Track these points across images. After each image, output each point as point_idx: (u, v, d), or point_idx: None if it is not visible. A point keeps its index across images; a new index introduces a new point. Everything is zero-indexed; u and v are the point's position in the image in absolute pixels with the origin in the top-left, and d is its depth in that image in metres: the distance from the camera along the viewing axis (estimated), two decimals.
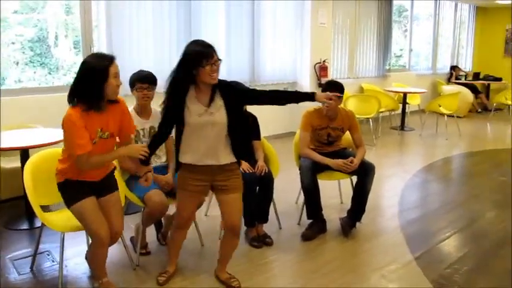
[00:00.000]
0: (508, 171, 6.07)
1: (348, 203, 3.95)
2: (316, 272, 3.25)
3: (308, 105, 3.39)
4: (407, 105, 8.79)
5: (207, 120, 2.63)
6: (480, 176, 5.92)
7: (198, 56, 2.52)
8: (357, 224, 3.89)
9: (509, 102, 10.04)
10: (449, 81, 11.54)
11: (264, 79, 7.21)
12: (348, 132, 4.01)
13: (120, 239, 2.93)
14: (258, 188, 3.60)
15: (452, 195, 5.15)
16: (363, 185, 3.78)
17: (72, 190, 2.66)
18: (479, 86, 11.61)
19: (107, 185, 2.80)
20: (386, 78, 9.63)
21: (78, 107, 2.47)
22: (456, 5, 11.93)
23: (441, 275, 3.22)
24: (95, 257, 2.85)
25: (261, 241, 3.62)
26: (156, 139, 2.82)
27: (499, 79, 11.63)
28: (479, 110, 11.09)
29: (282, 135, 7.12)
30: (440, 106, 8.11)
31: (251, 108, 3.93)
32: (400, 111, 8.63)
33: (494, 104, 10.68)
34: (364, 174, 3.77)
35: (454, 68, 11.79)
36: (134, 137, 3.28)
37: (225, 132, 2.69)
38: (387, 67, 9.73)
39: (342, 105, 4.15)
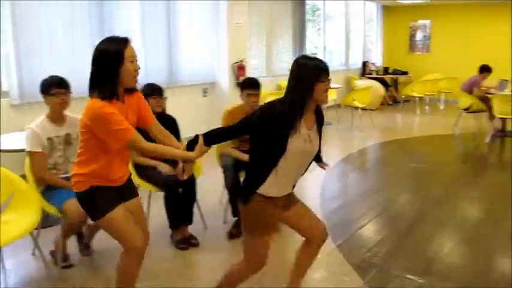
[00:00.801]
0: (417, 157, 6.49)
1: None
2: None
3: (228, 103, 3.42)
4: None
5: (308, 147, 2.35)
6: (393, 164, 6.28)
7: (318, 71, 2.26)
8: None
9: (416, 94, 10.71)
10: (362, 76, 12.10)
11: (183, 80, 7.15)
12: None
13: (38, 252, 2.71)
14: (181, 190, 3.59)
15: (369, 183, 5.42)
16: None
17: (100, 199, 2.36)
18: (389, 80, 12.30)
19: (130, 189, 2.56)
20: None
21: (100, 98, 2.22)
22: (364, 4, 12.53)
23: (362, 259, 3.38)
24: (129, 270, 2.48)
25: (187, 243, 3.60)
26: (221, 137, 2.53)
27: (406, 73, 12.41)
28: (390, 102, 11.75)
29: None
30: (354, 100, 8.49)
31: (169, 109, 3.92)
32: None
33: (403, 96, 11.39)
34: None
35: (365, 63, 12.37)
36: (49, 145, 3.15)
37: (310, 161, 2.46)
38: None
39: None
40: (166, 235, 3.67)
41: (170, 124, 3.77)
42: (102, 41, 2.31)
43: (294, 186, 2.49)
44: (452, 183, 5.32)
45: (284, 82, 8.97)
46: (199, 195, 3.75)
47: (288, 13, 9.47)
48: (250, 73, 8.30)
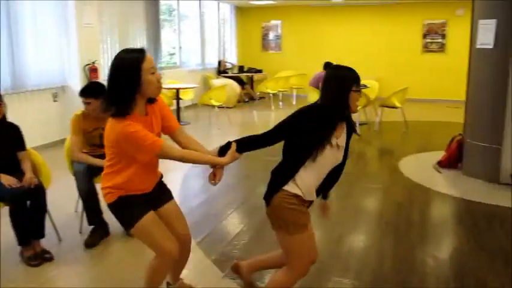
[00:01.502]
0: (272, 151, 6.83)
1: None
2: (104, 276, 3.20)
3: (81, 107, 3.27)
4: (181, 101, 9.12)
5: (335, 153, 2.37)
6: (250, 158, 6.52)
7: (354, 80, 2.32)
8: None
9: (270, 91, 11.25)
10: (218, 74, 12.35)
11: (29, 84, 6.63)
12: None
13: None
14: (28, 202, 3.35)
15: (228, 178, 5.56)
16: None
17: (130, 208, 2.37)
18: (245, 78, 12.76)
19: (160, 194, 2.56)
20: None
21: (118, 115, 2.19)
22: (218, 5, 12.80)
23: (221, 253, 3.50)
24: (159, 274, 2.49)
25: (40, 258, 3.38)
26: (254, 145, 2.48)
27: (260, 71, 12.97)
28: (246, 99, 12.18)
29: (53, 144, 6.71)
30: (211, 99, 8.65)
31: (15, 116, 3.64)
32: (175, 106, 8.92)
33: (258, 93, 11.91)
34: None
35: (221, 62, 12.65)
36: None
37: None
38: (160, 65, 9.94)
39: None
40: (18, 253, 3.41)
41: (11, 133, 3.51)
42: (118, 54, 2.27)
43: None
44: None
45: None
46: (52, 206, 3.55)
47: (141, 13, 9.30)
48: (104, 75, 8.02)
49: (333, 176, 2.52)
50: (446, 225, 4.24)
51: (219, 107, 8.84)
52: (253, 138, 2.48)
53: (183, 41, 11.25)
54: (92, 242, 3.62)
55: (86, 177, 3.65)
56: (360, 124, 8.41)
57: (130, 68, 2.19)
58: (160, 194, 2.57)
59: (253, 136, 2.49)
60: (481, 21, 5.26)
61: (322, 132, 2.31)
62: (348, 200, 4.66)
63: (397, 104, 8.35)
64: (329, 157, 2.36)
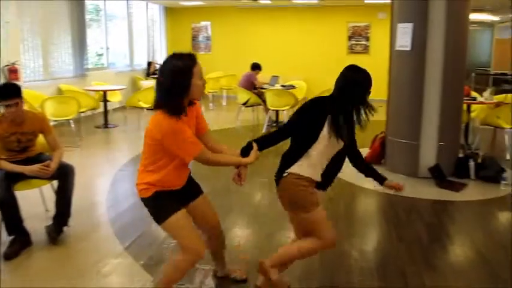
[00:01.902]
0: None
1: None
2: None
3: None
4: (108, 103, 8.87)
5: (339, 141, 2.63)
6: None
7: (359, 84, 2.63)
8: (65, 228, 3.79)
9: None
10: (147, 76, 12.13)
11: None
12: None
13: None
14: None
15: None
16: (65, 188, 3.69)
17: (164, 203, 2.52)
18: None
19: (191, 190, 2.73)
20: (86, 77, 9.51)
21: (165, 112, 2.34)
22: (147, 5, 12.56)
23: (150, 257, 3.44)
24: (181, 271, 2.60)
25: None
26: (271, 141, 2.71)
27: None
28: None
29: None
30: (139, 101, 8.47)
31: None
32: (102, 109, 8.66)
33: None
34: (64, 177, 3.69)
35: (150, 63, 12.43)
36: None
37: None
38: (87, 66, 9.61)
39: (37, 108, 3.93)
40: None
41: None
42: (171, 58, 2.40)
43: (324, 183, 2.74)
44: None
45: (66, 85, 8.52)
46: None
47: (66, 12, 8.96)
48: (25, 77, 7.68)
49: (337, 164, 2.75)
50: (370, 218, 4.44)
51: (148, 109, 8.68)
52: (271, 136, 2.74)
53: (111, 41, 10.96)
54: (12, 253, 3.43)
55: (4, 184, 3.46)
56: None
57: (184, 72, 2.36)
58: (191, 189, 2.74)
59: (270, 133, 2.76)
60: (400, 25, 5.54)
61: (323, 123, 2.59)
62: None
63: None
64: (332, 144, 2.62)
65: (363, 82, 2.65)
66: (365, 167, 2.90)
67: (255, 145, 2.66)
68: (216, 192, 5.00)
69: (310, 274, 3.26)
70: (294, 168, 2.63)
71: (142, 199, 2.56)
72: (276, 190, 2.76)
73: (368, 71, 2.69)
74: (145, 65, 12.44)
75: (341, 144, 2.67)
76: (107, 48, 10.83)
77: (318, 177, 2.69)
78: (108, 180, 5.38)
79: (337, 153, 2.71)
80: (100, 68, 10.64)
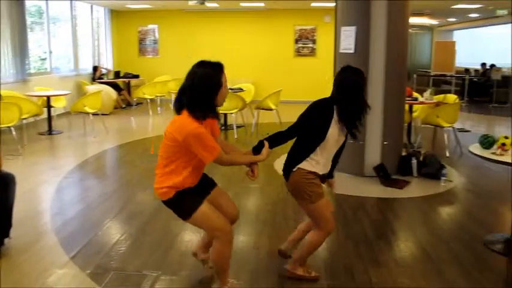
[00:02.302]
0: (151, 157, 6.73)
1: None
2: None
3: None
4: (52, 109, 8.59)
5: (341, 137, 2.96)
6: (128, 165, 6.39)
7: (361, 87, 2.93)
8: (7, 240, 3.63)
9: (147, 96, 11.06)
10: (93, 81, 11.83)
11: None
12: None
13: None
14: None
15: (105, 186, 5.38)
16: (5, 199, 3.54)
17: (187, 200, 2.68)
18: (121, 83, 12.37)
19: (206, 184, 2.88)
20: (28, 82, 9.16)
21: (188, 116, 2.49)
22: (92, 7, 12.25)
23: (97, 266, 3.36)
24: (225, 255, 2.78)
25: None
26: (282, 139, 2.95)
27: (137, 76, 12.67)
28: (124, 106, 11.82)
29: None
30: (85, 106, 8.25)
31: None
32: (45, 115, 8.37)
33: (135, 99, 11.64)
34: (4, 186, 3.54)
35: (96, 68, 12.12)
36: None
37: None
38: (29, 71, 9.26)
39: None
40: None
41: None
42: (201, 65, 2.57)
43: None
44: None
45: (6, 91, 8.14)
46: None
47: (5, 14, 8.59)
48: None
49: (337, 156, 3.09)
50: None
51: (93, 114, 8.47)
52: (280, 134, 2.97)
53: (54, 45, 10.61)
54: None
55: None
56: (237, 127, 8.61)
57: (215, 81, 2.53)
58: (206, 182, 2.89)
59: (280, 132, 2.98)
60: (343, 28, 5.69)
61: (328, 123, 2.87)
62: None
63: (272, 106, 8.70)
64: (335, 141, 2.95)
65: (363, 84, 2.97)
66: (335, 162, 3.14)
67: (266, 143, 2.86)
68: None
69: (260, 273, 3.28)
70: (303, 165, 2.93)
71: (164, 202, 2.72)
72: (286, 185, 3.08)
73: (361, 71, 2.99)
74: (90, 70, 12.11)
75: (342, 140, 3.01)
76: (50, 52, 10.48)
77: (323, 171, 3.03)
78: (53, 188, 5.21)
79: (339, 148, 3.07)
80: (43, 73, 10.28)
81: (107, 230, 4.07)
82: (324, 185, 3.14)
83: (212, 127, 2.74)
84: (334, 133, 2.91)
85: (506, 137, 3.80)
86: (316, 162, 2.95)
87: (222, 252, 2.79)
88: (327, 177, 3.19)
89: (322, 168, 3.01)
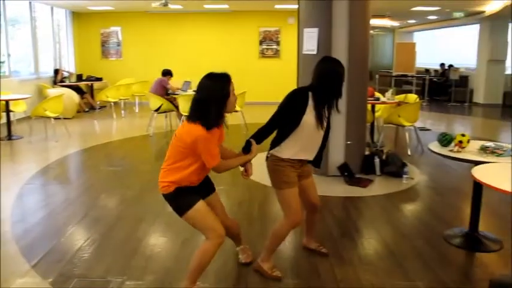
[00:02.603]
0: (115, 161, 6.65)
1: None
2: None
3: None
4: (12, 113, 8.36)
5: (317, 125, 3.03)
6: (92, 170, 6.28)
7: (341, 76, 3.03)
8: None
9: (111, 99, 10.89)
10: (55, 84, 11.57)
11: None
12: None
13: None
14: None
15: (68, 192, 5.28)
16: None
17: (185, 197, 2.82)
18: (84, 86, 12.14)
19: (207, 187, 3.03)
20: None
21: (200, 125, 2.65)
22: (52, 9, 11.97)
23: (60, 273, 3.29)
24: (208, 256, 2.86)
25: None
26: (265, 133, 3.05)
27: (100, 79, 12.48)
28: (87, 109, 11.61)
29: None
30: (46, 110, 8.06)
31: None
32: (5, 120, 8.13)
33: (98, 102, 11.44)
34: None
35: (57, 71, 11.86)
36: None
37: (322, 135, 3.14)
38: None
39: None
40: None
41: None
42: (209, 78, 2.74)
43: (316, 161, 3.24)
44: (148, 181, 5.64)
45: None
46: None
47: None
48: None
49: (322, 145, 3.19)
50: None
51: (55, 118, 8.28)
52: (262, 129, 3.07)
53: (13, 48, 10.31)
54: None
55: None
56: None
57: (223, 93, 2.70)
58: (206, 186, 3.02)
59: (262, 127, 3.07)
60: (306, 30, 5.75)
61: (302, 110, 2.97)
62: None
63: (237, 108, 8.70)
64: (313, 128, 3.02)
65: (343, 74, 3.06)
66: (321, 151, 3.24)
67: (253, 141, 2.99)
68: (127, 201, 4.90)
69: (225, 275, 3.29)
70: (276, 151, 3.08)
71: (164, 195, 2.85)
72: None
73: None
74: (52, 73, 11.84)
75: (322, 128, 3.08)
76: (9, 55, 10.19)
77: (303, 157, 3.12)
78: (13, 195, 5.07)
79: (323, 136, 3.16)
80: (2, 77, 9.97)
81: (69, 237, 3.98)
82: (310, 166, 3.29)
83: (220, 132, 2.89)
84: (310, 120, 2.99)
85: (463, 135, 3.93)
86: (289, 149, 3.05)
87: (207, 252, 2.86)
88: (315, 166, 3.31)
89: (300, 154, 3.10)
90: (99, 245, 3.80)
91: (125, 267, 3.39)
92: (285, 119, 3.03)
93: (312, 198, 3.39)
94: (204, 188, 3.00)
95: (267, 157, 3.16)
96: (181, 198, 2.82)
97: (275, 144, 3.10)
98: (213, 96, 2.69)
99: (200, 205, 2.82)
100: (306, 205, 3.42)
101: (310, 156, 3.19)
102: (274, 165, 3.10)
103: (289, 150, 3.07)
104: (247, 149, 3.00)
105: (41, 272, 3.32)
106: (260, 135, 3.07)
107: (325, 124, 3.10)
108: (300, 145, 3.07)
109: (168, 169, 2.82)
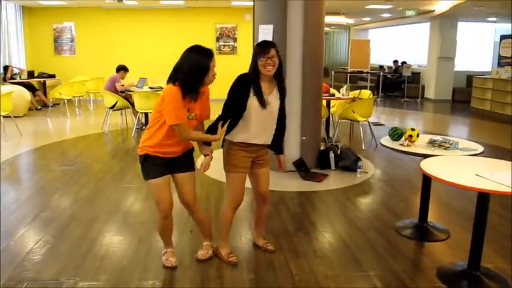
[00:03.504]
0: (69, 159, 6.49)
1: None
2: None
3: None
4: None
5: (267, 107, 3.13)
6: (44, 169, 6.10)
7: (257, 49, 3.10)
8: None
9: (64, 97, 10.61)
10: (4, 81, 11.16)
11: None
12: None
13: None
14: None
15: (19, 193, 5.12)
16: None
17: (151, 166, 3.02)
18: (36, 83, 11.78)
19: (184, 163, 3.15)
20: None
21: (178, 87, 2.85)
22: (0, 3, 11.51)
23: (10, 277, 3.19)
24: (159, 226, 3.26)
25: None
26: (223, 118, 3.15)
27: (53, 76, 12.12)
28: (39, 107, 11.27)
29: None
30: None
31: None
32: None
33: (51, 100, 11.12)
34: None
35: (6, 67, 11.44)
36: None
37: (276, 117, 3.23)
38: None
39: None
40: None
41: None
42: (192, 51, 2.94)
43: (275, 146, 3.37)
44: (101, 179, 5.54)
45: None
46: None
47: None
48: None
49: (278, 128, 3.29)
50: (239, 213, 4.52)
51: (5, 116, 8.00)
52: (219, 116, 3.16)
53: None
54: None
55: None
56: None
57: (203, 67, 2.87)
58: (182, 163, 3.13)
59: (218, 116, 3.17)
60: (261, 26, 5.78)
61: (245, 94, 3.09)
62: (150, 199, 4.69)
63: None
64: (257, 112, 3.10)
65: (254, 52, 3.16)
66: (278, 135, 3.34)
67: (220, 124, 3.10)
68: (80, 201, 4.80)
69: (181, 271, 3.28)
70: (228, 135, 3.21)
71: (139, 156, 3.05)
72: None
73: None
74: (1, 70, 11.41)
75: (271, 111, 3.17)
76: None
77: (255, 141, 3.20)
78: None
79: (278, 118, 3.26)
80: None
81: (20, 239, 3.86)
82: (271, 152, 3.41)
83: (202, 106, 3.07)
84: (255, 103, 3.09)
85: (412, 129, 4.06)
86: (241, 133, 3.17)
87: (158, 223, 3.26)
88: (275, 152, 3.43)
89: (251, 139, 3.19)
90: (51, 246, 3.70)
91: (78, 268, 3.32)
92: (232, 105, 3.14)
93: (260, 187, 3.45)
94: (181, 164, 3.13)
95: (222, 142, 3.29)
96: (147, 167, 3.03)
97: (229, 129, 3.20)
98: (193, 69, 2.85)
99: (161, 180, 3.03)
100: (255, 194, 3.53)
101: (263, 140, 3.25)
102: (227, 149, 3.24)
103: (241, 134, 3.17)
104: (213, 129, 3.12)
105: None
106: (224, 115, 3.18)
107: (273, 105, 3.17)
108: (251, 129, 3.16)
109: (146, 132, 3.02)
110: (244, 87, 3.11)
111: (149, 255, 3.55)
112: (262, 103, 3.09)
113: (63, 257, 3.51)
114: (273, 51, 3.07)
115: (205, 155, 3.16)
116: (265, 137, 3.26)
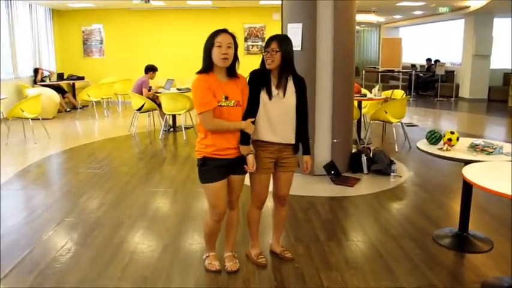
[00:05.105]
0: (97, 162, 6.44)
1: None
2: None
3: None
4: None
5: (278, 102, 3.05)
6: (72, 172, 6.06)
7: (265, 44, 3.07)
8: None
9: (93, 99, 10.64)
10: (35, 84, 11.29)
11: None
12: None
13: None
14: None
15: (46, 196, 5.06)
16: None
17: (209, 170, 2.99)
18: (65, 85, 11.88)
19: (238, 166, 3.08)
20: None
21: (199, 74, 2.94)
22: (30, 7, 11.66)
23: (31, 287, 3.10)
24: (207, 228, 3.22)
25: None
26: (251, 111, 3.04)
27: (82, 78, 12.20)
28: (68, 109, 11.36)
29: None
30: (23, 111, 7.80)
31: None
32: None
33: (80, 102, 11.18)
34: None
35: (37, 70, 11.58)
36: None
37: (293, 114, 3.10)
38: None
39: None
40: None
41: None
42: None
43: (295, 147, 3.19)
44: (127, 183, 5.46)
45: None
46: None
47: None
48: None
49: (300, 124, 3.15)
50: (267, 220, 4.35)
51: (33, 119, 8.03)
52: (247, 110, 3.03)
53: None
54: None
55: None
56: (186, 128, 8.42)
57: (208, 42, 2.93)
58: (238, 166, 3.07)
59: (246, 109, 3.03)
60: (290, 25, 5.59)
61: (257, 88, 3.04)
62: (177, 204, 4.57)
63: None
64: (268, 106, 3.03)
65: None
66: (301, 134, 3.19)
67: (250, 119, 3.00)
68: (106, 205, 4.71)
69: (212, 280, 3.13)
70: (253, 134, 3.09)
71: (197, 159, 3.03)
72: None
73: None
74: (31, 72, 11.55)
75: (287, 103, 3.05)
76: None
77: (272, 139, 3.09)
78: None
79: (298, 114, 3.12)
80: None
81: (43, 246, 3.77)
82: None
83: (243, 94, 3.01)
84: (265, 97, 3.04)
85: (452, 132, 3.81)
86: (259, 130, 3.08)
87: (206, 225, 3.24)
88: (303, 153, 3.26)
89: (268, 136, 3.09)
90: (73, 254, 3.60)
91: (99, 278, 3.21)
92: (249, 101, 3.05)
93: (280, 191, 3.32)
94: (234, 167, 3.07)
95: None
96: (204, 171, 3.01)
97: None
98: (204, 46, 2.95)
99: (218, 185, 3.01)
100: (274, 195, 3.41)
101: (281, 138, 3.11)
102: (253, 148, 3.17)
103: (259, 131, 3.08)
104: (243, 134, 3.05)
105: (11, 284, 3.13)
106: (247, 115, 3.07)
107: (287, 100, 3.06)
108: (267, 124, 3.07)
109: (200, 137, 3.01)
110: (255, 80, 3.06)
111: (173, 265, 3.41)
112: (269, 93, 3.02)
113: (85, 265, 3.41)
114: (273, 44, 2.98)
115: (246, 155, 3.05)
116: (283, 134, 3.11)
